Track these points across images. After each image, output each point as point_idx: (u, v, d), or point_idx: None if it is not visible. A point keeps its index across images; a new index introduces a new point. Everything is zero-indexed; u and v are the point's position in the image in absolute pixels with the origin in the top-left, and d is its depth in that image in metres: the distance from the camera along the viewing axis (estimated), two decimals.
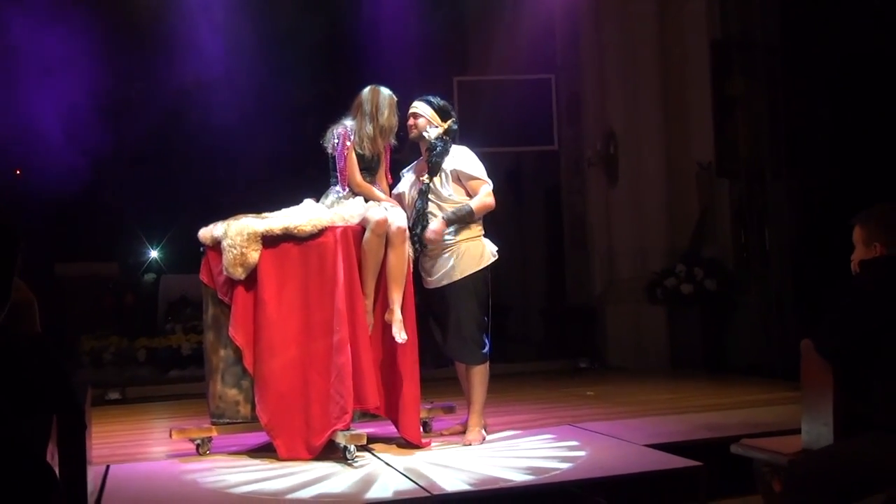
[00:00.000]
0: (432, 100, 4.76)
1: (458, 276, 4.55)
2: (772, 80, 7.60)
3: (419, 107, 4.73)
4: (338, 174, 4.60)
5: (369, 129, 4.54)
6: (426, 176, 4.66)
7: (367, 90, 4.62)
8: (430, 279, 4.64)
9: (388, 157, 4.78)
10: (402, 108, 4.75)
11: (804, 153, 7.62)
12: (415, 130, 4.71)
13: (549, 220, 11.18)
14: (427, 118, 4.69)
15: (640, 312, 8.71)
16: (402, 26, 9.94)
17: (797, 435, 3.11)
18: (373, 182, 4.65)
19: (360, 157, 4.57)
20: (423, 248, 4.60)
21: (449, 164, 4.63)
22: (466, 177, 4.61)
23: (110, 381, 7.55)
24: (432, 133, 4.67)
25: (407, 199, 4.76)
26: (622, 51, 8.95)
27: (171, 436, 4.51)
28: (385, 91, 4.62)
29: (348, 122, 4.59)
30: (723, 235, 8.24)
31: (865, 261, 2.86)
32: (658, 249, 8.72)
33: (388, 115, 4.56)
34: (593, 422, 5.12)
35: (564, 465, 3.96)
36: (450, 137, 4.70)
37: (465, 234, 4.59)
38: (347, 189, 4.58)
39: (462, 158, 4.66)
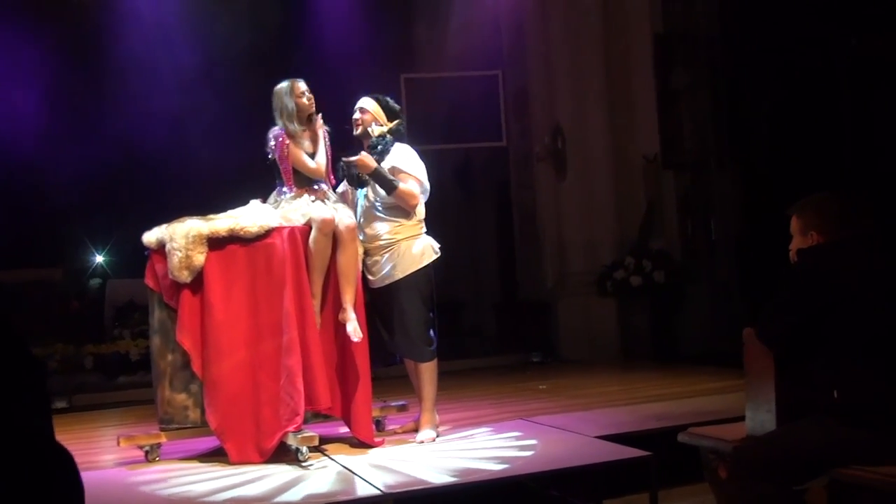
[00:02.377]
0: (381, 98, 4.73)
1: (399, 275, 4.53)
2: (713, 72, 7.74)
3: (366, 102, 4.69)
4: (283, 177, 4.55)
5: (288, 127, 4.51)
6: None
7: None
8: (372, 279, 4.61)
9: (331, 154, 4.73)
10: (351, 105, 4.73)
11: (747, 143, 7.76)
12: (360, 126, 4.66)
13: (499, 216, 11.21)
14: (373, 114, 4.66)
15: (591, 305, 8.79)
16: (347, 25, 9.89)
17: (742, 422, 3.17)
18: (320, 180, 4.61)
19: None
20: (354, 177, 4.54)
21: (388, 162, 4.57)
22: (398, 171, 4.54)
23: (57, 389, 7.39)
24: (376, 130, 4.63)
25: (351, 196, 4.74)
26: (567, 45, 9.01)
27: (119, 443, 4.45)
28: (280, 85, 4.57)
29: (278, 126, 4.56)
30: (670, 227, 8.36)
31: (802, 249, 2.92)
32: (607, 242, 8.81)
33: (287, 102, 4.51)
34: (546, 415, 5.16)
35: (517, 460, 3.98)
36: (393, 137, 4.66)
37: (404, 232, 4.57)
38: (295, 189, 4.53)
39: (401, 155, 4.61)
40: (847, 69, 6.92)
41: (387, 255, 4.55)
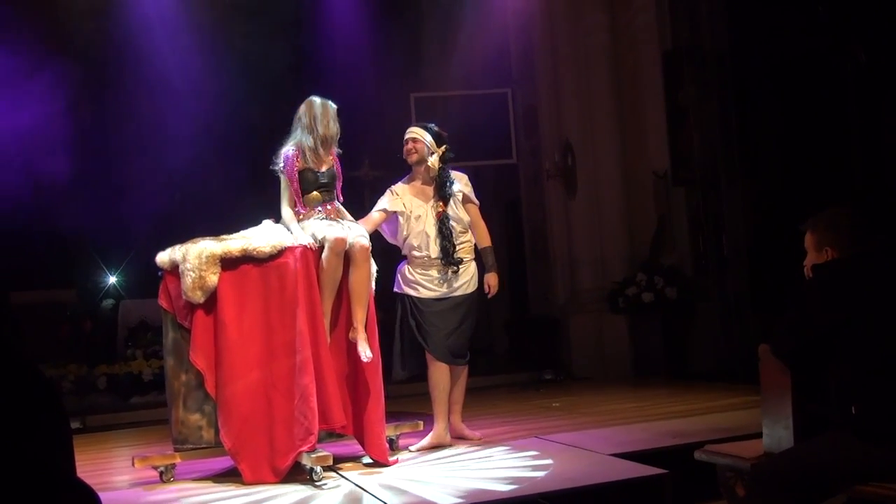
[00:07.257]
0: (428, 126, 5.08)
1: (473, 287, 5.06)
2: (722, 88, 7.73)
3: (418, 132, 5.02)
4: (294, 196, 4.58)
5: (309, 141, 4.57)
6: (439, 203, 4.98)
7: (302, 104, 4.66)
8: (442, 289, 4.93)
9: (340, 171, 4.77)
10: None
11: (756, 159, 7.75)
12: (415, 155, 4.99)
13: (510, 233, 11.22)
14: (426, 144, 4.97)
15: (603, 322, 8.77)
16: (357, 44, 9.95)
17: (759, 439, 3.15)
18: (331, 198, 4.64)
19: (312, 172, 4.56)
20: (457, 269, 4.97)
21: (455, 187, 5.01)
22: (468, 199, 5.07)
23: (70, 409, 7.41)
24: (433, 160, 4.95)
25: (412, 223, 4.95)
26: (576, 63, 9.05)
27: (133, 464, 4.45)
28: (319, 100, 4.66)
29: (291, 143, 4.60)
30: (681, 243, 8.33)
31: (818, 265, 2.91)
32: (618, 259, 8.80)
33: (326, 124, 4.60)
34: (559, 433, 5.14)
35: (532, 478, 3.97)
36: (446, 164, 5.03)
37: (472, 254, 5.09)
38: (307, 208, 4.57)
39: (465, 182, 5.07)
40: (856, 83, 6.91)
41: (463, 270, 5.00)
